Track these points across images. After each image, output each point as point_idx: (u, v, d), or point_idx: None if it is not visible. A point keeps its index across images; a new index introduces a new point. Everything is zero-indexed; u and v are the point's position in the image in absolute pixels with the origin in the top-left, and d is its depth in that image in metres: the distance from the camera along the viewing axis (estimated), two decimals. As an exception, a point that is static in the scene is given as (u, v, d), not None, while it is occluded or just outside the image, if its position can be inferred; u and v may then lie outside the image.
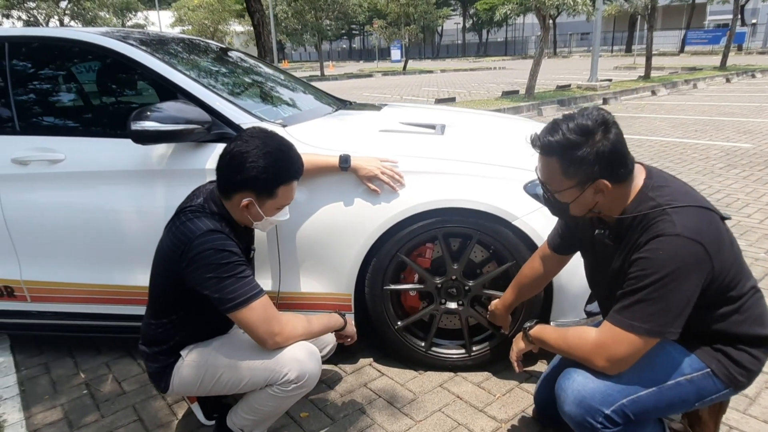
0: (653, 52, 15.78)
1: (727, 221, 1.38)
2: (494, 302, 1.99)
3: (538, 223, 1.97)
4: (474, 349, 2.19)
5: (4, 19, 24.25)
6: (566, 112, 1.39)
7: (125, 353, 2.47)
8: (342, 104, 3.17)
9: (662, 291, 1.25)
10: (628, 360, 1.33)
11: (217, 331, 1.73)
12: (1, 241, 2.27)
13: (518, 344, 1.71)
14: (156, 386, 1.72)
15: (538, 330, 1.60)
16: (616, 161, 1.31)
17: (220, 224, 1.57)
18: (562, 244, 1.73)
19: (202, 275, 1.49)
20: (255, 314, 1.52)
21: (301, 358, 1.57)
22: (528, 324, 1.65)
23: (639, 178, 1.39)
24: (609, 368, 1.35)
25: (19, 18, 24.07)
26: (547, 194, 1.45)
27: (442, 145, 2.29)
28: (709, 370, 1.39)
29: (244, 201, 1.58)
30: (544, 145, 1.35)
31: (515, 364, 1.73)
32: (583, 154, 1.30)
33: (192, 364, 1.64)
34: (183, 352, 1.67)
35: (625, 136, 1.35)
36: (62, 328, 2.38)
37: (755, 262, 3.19)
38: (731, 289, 1.34)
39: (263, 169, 1.55)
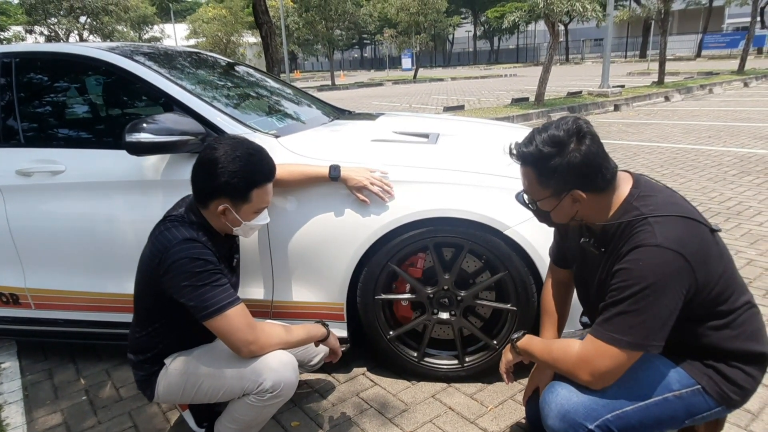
0: (669, 57, 15.67)
1: (725, 232, 1.36)
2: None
3: (530, 232, 1.95)
4: (467, 359, 2.17)
5: (28, 35, 24.88)
6: (545, 122, 1.39)
7: (124, 360, 2.47)
8: (340, 114, 3.19)
9: (643, 303, 1.23)
10: (612, 374, 1.30)
11: (199, 339, 1.74)
12: (6, 250, 2.33)
13: (507, 356, 1.68)
14: (143, 394, 1.74)
15: (526, 342, 1.56)
16: (590, 172, 1.30)
17: (197, 233, 1.59)
18: (558, 255, 1.71)
19: (177, 283, 1.51)
20: (229, 322, 1.53)
21: (276, 367, 1.57)
22: (516, 335, 1.62)
23: (624, 187, 1.37)
24: (593, 382, 1.32)
25: (41, 33, 24.68)
26: (530, 202, 1.45)
27: (433, 154, 2.29)
28: (699, 386, 1.36)
29: (220, 207, 1.61)
30: (520, 155, 1.36)
31: (505, 377, 1.70)
32: (554, 165, 1.30)
33: (175, 373, 1.66)
34: (167, 361, 1.69)
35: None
36: (65, 335, 2.42)
37: (765, 272, 3.12)
38: (720, 303, 1.31)
39: (233, 174, 1.57)
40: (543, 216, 1.47)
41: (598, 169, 1.31)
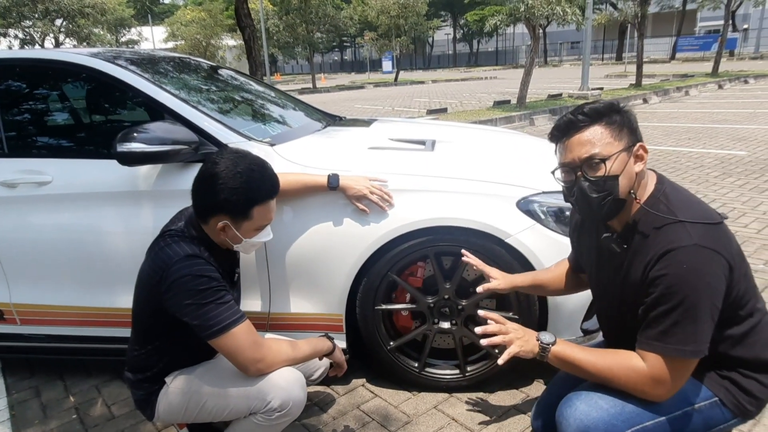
0: (644, 60, 15.90)
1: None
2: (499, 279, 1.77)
3: (532, 240, 1.95)
4: (468, 369, 2.15)
5: (1, 38, 24.32)
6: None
7: (115, 376, 2.43)
8: (331, 120, 3.16)
9: (695, 308, 1.21)
10: (681, 384, 1.29)
11: (201, 356, 1.69)
12: (-10, 264, 2.24)
13: (528, 348, 1.42)
14: (142, 413, 1.68)
15: (563, 349, 1.40)
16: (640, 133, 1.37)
17: (199, 249, 1.54)
18: (576, 263, 1.69)
19: (180, 302, 1.46)
20: (236, 340, 1.48)
21: (284, 386, 1.53)
22: (547, 339, 1.43)
23: (651, 181, 1.38)
24: (665, 397, 1.30)
25: (16, 36, 24.16)
26: (592, 177, 1.31)
27: (432, 161, 2.27)
28: (717, 399, 1.35)
29: (220, 224, 1.56)
30: (592, 111, 1.33)
31: (507, 357, 1.43)
32: (621, 118, 1.34)
33: (177, 392, 1.60)
34: (168, 379, 1.63)
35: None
36: (53, 351, 2.35)
37: (754, 273, 3.15)
38: (742, 307, 1.31)
39: (234, 191, 1.51)
40: (606, 190, 1.32)
41: None
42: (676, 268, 1.22)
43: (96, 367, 2.51)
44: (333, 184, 1.96)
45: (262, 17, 22.06)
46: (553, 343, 1.43)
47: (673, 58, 34.15)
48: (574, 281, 1.75)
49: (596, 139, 1.31)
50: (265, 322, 2.13)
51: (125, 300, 2.16)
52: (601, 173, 1.30)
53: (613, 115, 1.33)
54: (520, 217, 1.96)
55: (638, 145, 1.34)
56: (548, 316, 2.03)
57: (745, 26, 38.13)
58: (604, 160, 1.30)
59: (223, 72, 3.15)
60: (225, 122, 2.19)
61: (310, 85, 26.24)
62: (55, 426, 2.11)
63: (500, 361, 1.45)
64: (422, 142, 2.51)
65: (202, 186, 1.55)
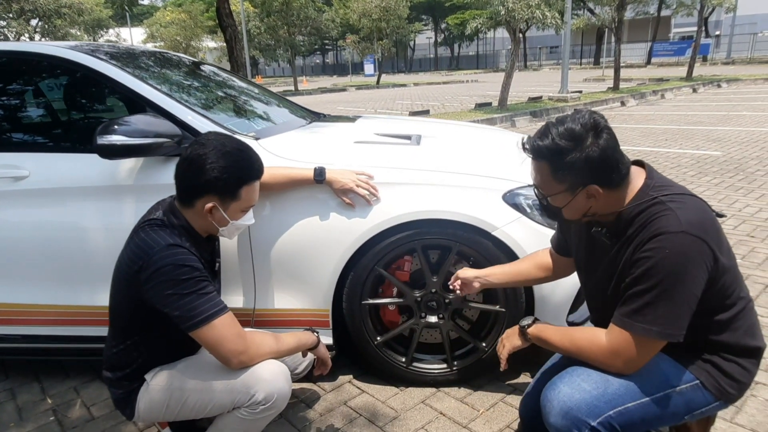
0: (621, 64, 16.18)
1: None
2: (470, 272, 1.81)
3: (518, 233, 1.95)
4: (456, 363, 2.15)
5: (-25, 39, 23.79)
6: (559, 115, 1.37)
7: (94, 377, 2.37)
8: (316, 117, 3.14)
9: (670, 292, 1.23)
10: (644, 361, 1.32)
11: (182, 351, 1.65)
12: (-38, 262, 2.16)
13: (513, 341, 1.59)
14: (121, 413, 1.63)
15: (539, 329, 1.51)
16: (607, 167, 1.28)
17: (180, 238, 1.51)
18: (560, 244, 1.70)
19: (161, 292, 1.43)
20: (217, 332, 1.45)
21: (268, 378, 1.50)
22: (525, 322, 1.56)
23: (638, 179, 1.36)
24: (625, 370, 1.33)
25: (-10, 35, 23.65)
26: (541, 198, 1.42)
27: (418, 155, 2.27)
28: (698, 382, 1.36)
29: (208, 205, 1.53)
30: (534, 149, 1.33)
31: (503, 362, 1.62)
32: (572, 160, 1.27)
33: (157, 389, 1.56)
34: (147, 376, 1.59)
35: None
36: (28, 352, 2.27)
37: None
38: (728, 296, 1.32)
39: (224, 170, 1.50)
40: (554, 212, 1.43)
41: (615, 164, 1.29)
42: (659, 251, 1.24)
43: (74, 368, 2.44)
44: (319, 178, 1.94)
45: (243, 18, 21.91)
46: (530, 325, 1.54)
47: (648, 62, 34.79)
48: (559, 265, 1.75)
49: (540, 172, 1.37)
50: (250, 318, 2.10)
51: (104, 297, 2.09)
52: (544, 198, 1.40)
53: (561, 155, 1.27)
54: (506, 210, 1.96)
55: (590, 187, 1.30)
56: (534, 309, 2.04)
57: (717, 33, 39.05)
58: (544, 194, 1.38)
59: (205, 67, 3.11)
60: (209, 116, 2.16)
61: (292, 88, 26.13)
62: (32, 429, 2.05)
63: (502, 368, 1.64)
64: (408, 137, 2.51)
65: (191, 167, 1.52)
